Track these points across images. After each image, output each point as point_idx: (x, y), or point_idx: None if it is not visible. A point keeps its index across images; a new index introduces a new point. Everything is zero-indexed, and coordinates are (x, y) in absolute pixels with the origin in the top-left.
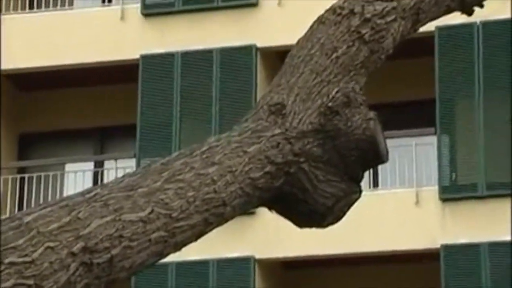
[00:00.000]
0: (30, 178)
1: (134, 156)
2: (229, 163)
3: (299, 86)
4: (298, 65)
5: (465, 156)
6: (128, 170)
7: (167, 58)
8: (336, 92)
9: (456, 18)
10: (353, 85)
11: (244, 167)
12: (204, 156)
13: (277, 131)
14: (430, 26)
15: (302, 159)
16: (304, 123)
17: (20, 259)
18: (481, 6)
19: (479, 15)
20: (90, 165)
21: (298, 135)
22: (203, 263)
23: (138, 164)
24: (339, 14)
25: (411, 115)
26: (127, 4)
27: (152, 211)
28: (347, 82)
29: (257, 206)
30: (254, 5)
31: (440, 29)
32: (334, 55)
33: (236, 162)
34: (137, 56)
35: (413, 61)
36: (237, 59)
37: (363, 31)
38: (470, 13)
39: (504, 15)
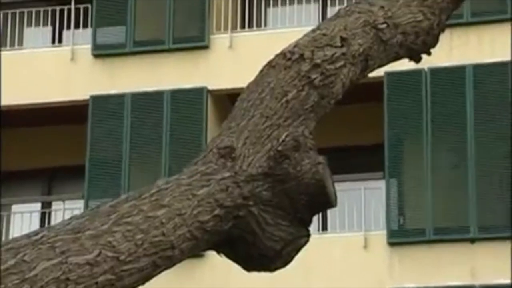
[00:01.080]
0: None
1: (82, 198)
2: (178, 206)
3: (249, 129)
4: (248, 109)
5: (413, 201)
6: (76, 212)
7: (117, 99)
8: (286, 136)
9: (404, 64)
10: (302, 129)
11: (193, 210)
12: (153, 198)
13: (227, 174)
14: (379, 72)
15: (251, 203)
16: (253, 166)
17: None
18: (429, 53)
19: (427, 61)
20: (37, 206)
21: (247, 178)
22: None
23: (86, 206)
24: (289, 59)
25: (360, 160)
26: (77, 45)
27: (100, 253)
28: (297, 127)
29: (205, 249)
30: (205, 47)
31: (388, 74)
32: (284, 99)
33: (185, 205)
34: (87, 96)
35: (362, 105)
36: (188, 101)
37: (313, 76)
38: (417, 60)
39: (451, 62)
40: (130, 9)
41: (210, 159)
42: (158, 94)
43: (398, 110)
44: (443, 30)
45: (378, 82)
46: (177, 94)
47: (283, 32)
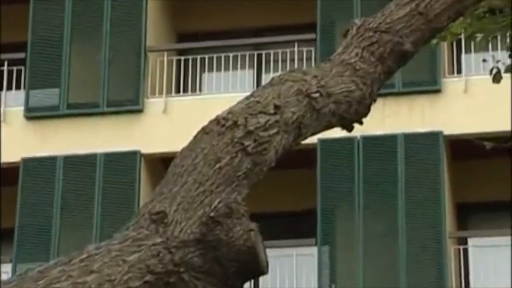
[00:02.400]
0: None
1: (11, 262)
2: (108, 271)
3: (181, 195)
4: (181, 174)
5: (344, 268)
6: (4, 276)
7: (49, 162)
8: (219, 203)
9: (337, 131)
10: (235, 195)
11: (123, 276)
12: (82, 264)
13: (158, 240)
14: (312, 139)
15: (182, 269)
16: (185, 232)
17: None
18: (361, 123)
19: (360, 129)
20: None
21: (179, 244)
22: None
23: (14, 270)
24: (223, 125)
25: (293, 226)
26: (10, 107)
27: None
28: (230, 193)
29: None
30: (140, 111)
31: (322, 141)
32: (217, 165)
33: (115, 271)
34: (18, 159)
35: (295, 171)
36: (121, 164)
37: (246, 143)
38: (350, 129)
39: (383, 131)
40: (64, 72)
41: (141, 225)
42: (91, 157)
43: (330, 177)
44: (375, 100)
45: (311, 148)
46: (110, 158)
47: (218, 97)
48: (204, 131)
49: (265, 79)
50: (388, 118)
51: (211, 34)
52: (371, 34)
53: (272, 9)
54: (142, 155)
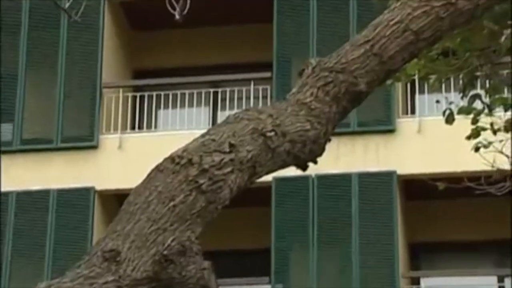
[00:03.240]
0: None
1: None
2: None
3: (135, 233)
4: (134, 212)
5: None
6: None
7: (2, 197)
8: (172, 241)
9: (292, 170)
10: (189, 234)
11: None
12: None
13: (110, 278)
14: (267, 177)
15: None
16: (138, 270)
17: None
18: (315, 162)
19: (314, 168)
20: None
21: (131, 283)
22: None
23: None
24: (178, 163)
25: (247, 264)
26: None
27: None
28: (183, 231)
29: None
30: (94, 147)
31: (276, 179)
32: (171, 203)
33: None
34: None
35: (249, 210)
36: (74, 201)
37: (201, 181)
38: (304, 168)
39: (337, 170)
40: (19, 107)
41: (94, 263)
42: (44, 193)
43: (285, 216)
44: (329, 140)
45: (266, 186)
46: (64, 194)
47: (173, 134)
48: (158, 169)
49: (221, 116)
50: (342, 157)
51: (167, 71)
52: (326, 74)
53: (228, 47)
54: (96, 191)
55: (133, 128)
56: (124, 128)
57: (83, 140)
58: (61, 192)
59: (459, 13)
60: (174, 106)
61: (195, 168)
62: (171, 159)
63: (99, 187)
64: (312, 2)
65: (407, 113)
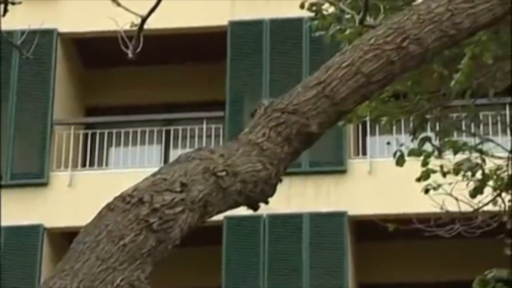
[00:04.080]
0: None
1: None
2: None
3: (84, 272)
4: (84, 251)
5: None
6: None
7: None
8: (121, 280)
9: (244, 209)
10: (138, 273)
11: None
12: None
13: None
14: (218, 216)
15: None
16: None
17: None
18: (266, 202)
19: (266, 208)
20: None
21: None
22: None
23: None
24: (128, 202)
25: None
26: None
27: None
28: (133, 271)
29: None
30: (44, 184)
31: (228, 219)
32: (121, 242)
33: None
34: None
35: (200, 249)
36: (23, 239)
37: (152, 221)
38: (255, 208)
39: (289, 210)
40: None
41: None
42: None
43: (236, 255)
44: (281, 180)
45: (217, 226)
46: (12, 232)
47: (124, 172)
48: (108, 207)
49: (173, 155)
50: (294, 197)
51: (120, 109)
52: (278, 114)
53: (181, 85)
54: (45, 229)
55: (84, 165)
56: (75, 166)
57: (33, 177)
58: (10, 230)
59: (410, 57)
60: (126, 144)
61: (146, 207)
62: (122, 197)
63: (48, 224)
64: (265, 43)
65: (358, 154)
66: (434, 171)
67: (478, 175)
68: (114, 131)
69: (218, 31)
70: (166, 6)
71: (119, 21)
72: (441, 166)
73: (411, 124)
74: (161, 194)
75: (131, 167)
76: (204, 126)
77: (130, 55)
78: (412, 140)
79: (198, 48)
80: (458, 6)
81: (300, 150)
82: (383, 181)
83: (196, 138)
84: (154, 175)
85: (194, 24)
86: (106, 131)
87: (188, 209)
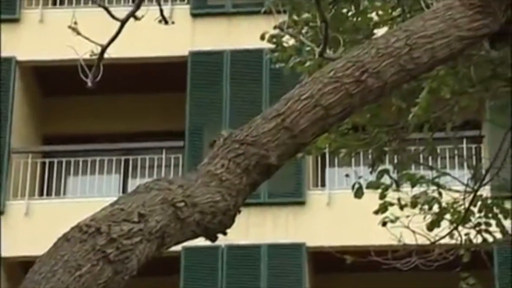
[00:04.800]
0: None
1: None
2: None
3: None
4: (39, 281)
5: None
6: None
7: None
8: None
9: (202, 240)
10: None
11: None
12: None
13: None
14: (176, 246)
15: None
16: None
17: None
18: (225, 234)
19: (224, 238)
20: None
21: None
22: None
23: None
24: (85, 232)
25: None
26: None
27: None
28: None
29: None
30: (0, 213)
31: (186, 249)
32: (77, 273)
33: None
34: None
35: (158, 279)
36: None
37: (109, 251)
38: (213, 239)
39: (247, 241)
40: None
41: None
42: None
43: (194, 286)
44: (239, 211)
45: (175, 256)
46: None
47: (82, 202)
48: (65, 237)
49: (132, 184)
50: (252, 228)
51: (79, 138)
52: (237, 146)
53: (141, 115)
54: (1, 258)
55: (41, 194)
56: (32, 195)
57: None
58: None
59: (369, 90)
60: (84, 173)
61: (103, 238)
62: (79, 227)
63: (4, 254)
64: (226, 73)
65: (317, 186)
66: (391, 204)
67: (435, 208)
68: (73, 160)
69: (178, 61)
70: (126, 35)
71: (78, 49)
72: (399, 199)
73: (369, 157)
74: (119, 224)
75: (89, 196)
76: (163, 156)
77: (89, 84)
78: (371, 173)
79: (158, 78)
80: (416, 41)
81: (259, 181)
82: (341, 213)
83: (155, 168)
84: (112, 205)
85: (155, 53)
86: (64, 160)
87: (145, 239)
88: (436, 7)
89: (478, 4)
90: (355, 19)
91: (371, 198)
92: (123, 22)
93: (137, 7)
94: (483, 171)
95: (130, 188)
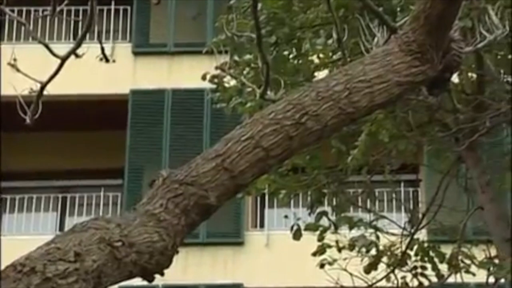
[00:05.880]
0: None
1: None
2: None
3: None
4: None
5: None
6: None
7: None
8: None
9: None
10: None
11: None
12: None
13: None
14: (113, 286)
15: None
16: None
17: None
18: (162, 274)
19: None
20: None
21: None
22: None
23: None
24: (20, 271)
25: None
26: None
27: None
28: None
29: None
30: None
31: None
32: None
33: None
34: None
35: None
36: None
37: None
38: (151, 280)
39: (185, 281)
40: None
41: None
42: None
43: None
44: (177, 252)
45: None
46: None
47: (18, 240)
48: None
49: (69, 222)
50: (191, 268)
51: (16, 174)
52: (176, 186)
53: (80, 152)
54: None
55: None
56: None
57: None
58: None
59: (309, 133)
60: (21, 210)
61: (37, 277)
62: (13, 266)
63: None
64: (167, 113)
65: (256, 227)
66: (329, 246)
67: (373, 251)
68: (9, 197)
69: (119, 99)
70: (67, 72)
71: (17, 86)
72: (337, 242)
73: (308, 198)
74: (54, 263)
75: (25, 234)
76: (102, 194)
77: (28, 120)
78: (309, 214)
79: (99, 116)
80: (356, 85)
81: (197, 221)
82: (279, 254)
83: (93, 206)
84: (48, 243)
85: (96, 91)
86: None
87: (81, 279)
88: (376, 52)
89: (416, 51)
90: (296, 61)
91: (310, 240)
92: (64, 60)
93: (78, 44)
94: (420, 215)
95: (67, 227)
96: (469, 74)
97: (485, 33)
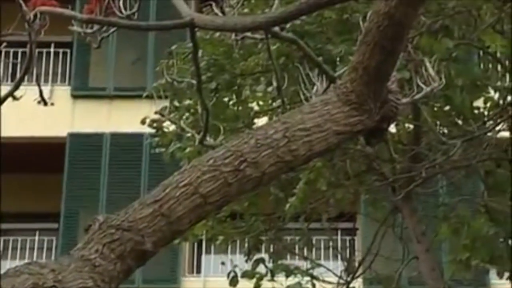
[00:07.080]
0: None
1: None
2: None
3: None
4: None
5: None
6: None
7: None
8: None
9: None
10: None
11: None
12: None
13: None
14: None
15: None
16: None
17: None
18: None
19: None
20: None
21: None
22: None
23: None
24: None
25: None
26: None
27: None
28: None
29: None
30: None
31: None
32: None
33: None
34: None
35: None
36: None
37: None
38: None
39: None
40: None
41: None
42: None
43: None
44: None
45: None
46: None
47: None
48: None
49: (2, 266)
50: None
51: None
52: (113, 231)
53: (15, 195)
54: None
55: None
56: None
57: None
58: None
59: (247, 180)
60: None
61: None
62: None
63: None
64: (105, 156)
65: (192, 273)
66: None
67: None
68: None
69: (57, 142)
70: (5, 114)
71: None
72: None
73: (246, 245)
74: None
75: None
76: (37, 237)
77: None
78: (246, 261)
79: (35, 158)
80: (294, 134)
81: (133, 267)
82: None
83: (27, 250)
84: None
85: (33, 133)
86: None
87: None
88: (315, 101)
89: (354, 101)
90: (236, 108)
91: (246, 287)
92: (1, 102)
93: (16, 87)
94: (356, 264)
95: (1, 270)
96: (406, 125)
97: (422, 85)
